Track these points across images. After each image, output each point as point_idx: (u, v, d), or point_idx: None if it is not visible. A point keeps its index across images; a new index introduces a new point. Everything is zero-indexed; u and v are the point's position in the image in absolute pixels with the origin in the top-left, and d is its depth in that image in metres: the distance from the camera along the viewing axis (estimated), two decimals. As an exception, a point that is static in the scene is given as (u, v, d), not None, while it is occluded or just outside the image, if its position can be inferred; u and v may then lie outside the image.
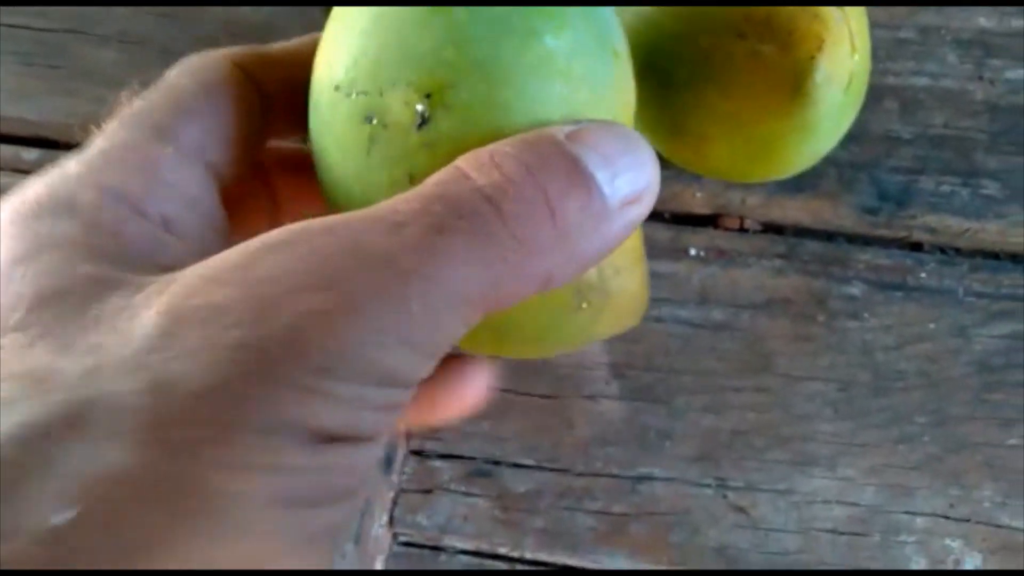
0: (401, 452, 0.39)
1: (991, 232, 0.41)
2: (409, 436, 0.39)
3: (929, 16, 0.43)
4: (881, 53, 0.43)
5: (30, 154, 0.43)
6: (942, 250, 0.41)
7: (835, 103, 0.30)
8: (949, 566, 0.37)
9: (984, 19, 0.43)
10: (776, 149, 0.32)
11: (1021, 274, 0.40)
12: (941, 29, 0.43)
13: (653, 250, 0.40)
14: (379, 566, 0.38)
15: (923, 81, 0.43)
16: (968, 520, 0.37)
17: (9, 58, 0.45)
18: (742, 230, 0.41)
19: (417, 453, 0.39)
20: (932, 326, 0.39)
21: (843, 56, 0.30)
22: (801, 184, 0.41)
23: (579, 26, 0.23)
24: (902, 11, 0.43)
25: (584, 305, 0.25)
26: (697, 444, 0.38)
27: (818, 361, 0.39)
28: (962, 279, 0.40)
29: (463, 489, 0.38)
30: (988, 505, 0.37)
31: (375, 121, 0.22)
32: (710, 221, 0.41)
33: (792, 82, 0.29)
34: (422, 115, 0.22)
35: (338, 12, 0.24)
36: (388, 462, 0.39)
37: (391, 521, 0.38)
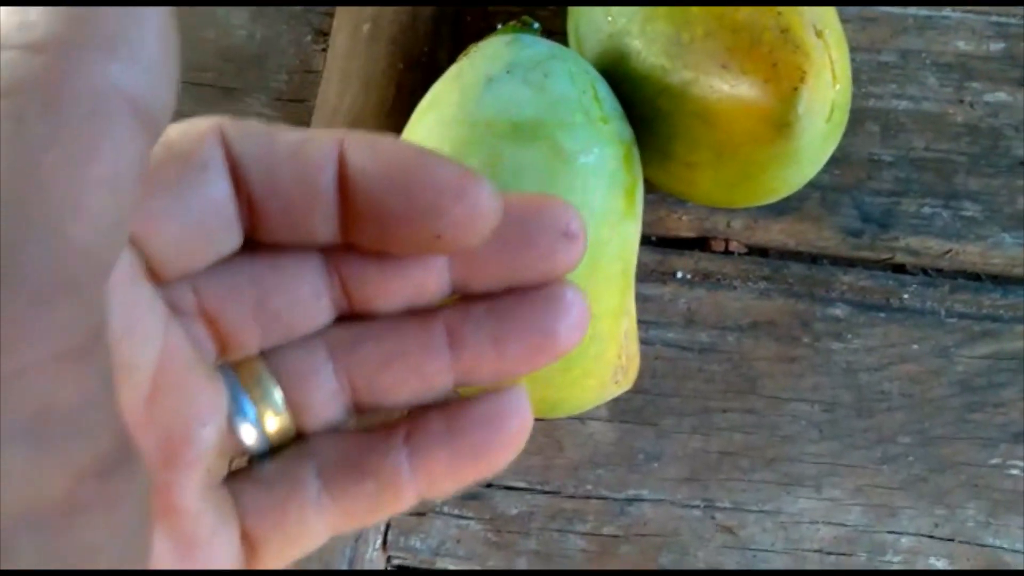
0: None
1: (972, 253, 0.41)
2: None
3: (910, 40, 0.44)
4: (863, 77, 0.43)
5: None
6: (924, 271, 0.41)
7: (817, 133, 0.31)
8: (934, 585, 0.38)
9: (963, 43, 0.44)
10: (759, 177, 0.33)
11: (1001, 295, 0.41)
12: (922, 53, 0.44)
13: (641, 273, 0.40)
14: (371, 590, 0.38)
15: (904, 104, 0.43)
16: (952, 539, 0.38)
17: None
18: (727, 253, 0.41)
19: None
20: (915, 347, 0.40)
21: (825, 86, 0.31)
22: (785, 207, 0.41)
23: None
24: (883, 34, 0.44)
25: (617, 382, 0.33)
26: (685, 466, 0.39)
27: (803, 382, 0.39)
28: (944, 300, 0.41)
29: (456, 512, 0.38)
30: (972, 524, 0.38)
31: None
32: (696, 244, 0.41)
33: (775, 114, 0.30)
34: None
35: (447, 138, 0.31)
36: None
37: (384, 544, 0.38)
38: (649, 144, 0.34)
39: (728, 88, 0.31)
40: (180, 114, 0.42)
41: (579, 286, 0.23)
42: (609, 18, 0.34)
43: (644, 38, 0.33)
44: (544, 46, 0.33)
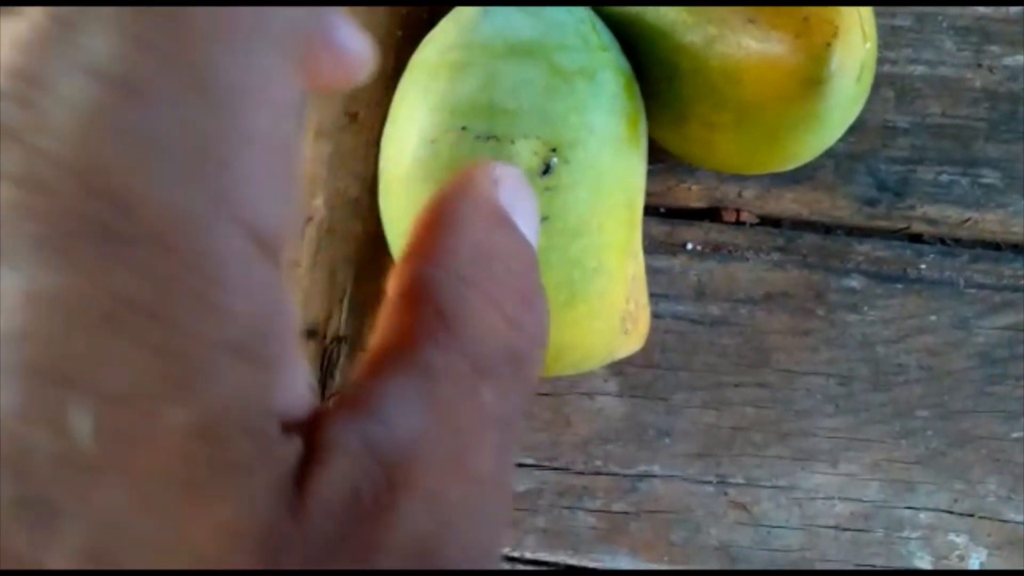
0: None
1: (991, 222, 0.40)
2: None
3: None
4: (877, 41, 0.42)
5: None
6: (942, 241, 0.40)
7: (847, 94, 0.30)
8: (953, 562, 0.37)
9: (982, 5, 0.43)
10: (784, 139, 0.31)
11: (1022, 264, 0.39)
12: (938, 15, 0.42)
13: (649, 245, 0.39)
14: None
15: (920, 69, 0.42)
16: (972, 515, 0.37)
17: None
18: (739, 223, 0.40)
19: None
20: (933, 318, 0.39)
21: (856, 44, 0.29)
22: (798, 176, 0.40)
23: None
24: (898, -3, 0.43)
25: (627, 329, 0.32)
26: (697, 441, 0.37)
27: (818, 356, 0.38)
28: (963, 270, 0.39)
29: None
30: (992, 499, 0.37)
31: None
32: (706, 215, 0.40)
33: (806, 71, 0.29)
34: (547, 164, 0.28)
35: (445, 62, 0.30)
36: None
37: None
38: (665, 104, 0.33)
39: (756, 44, 0.29)
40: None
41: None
42: (623, -30, 0.32)
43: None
44: None
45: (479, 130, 0.28)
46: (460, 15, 0.32)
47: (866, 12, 0.30)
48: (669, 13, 0.31)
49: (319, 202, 0.38)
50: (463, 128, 0.28)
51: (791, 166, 0.34)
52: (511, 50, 0.29)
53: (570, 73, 0.29)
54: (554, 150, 0.28)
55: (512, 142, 0.28)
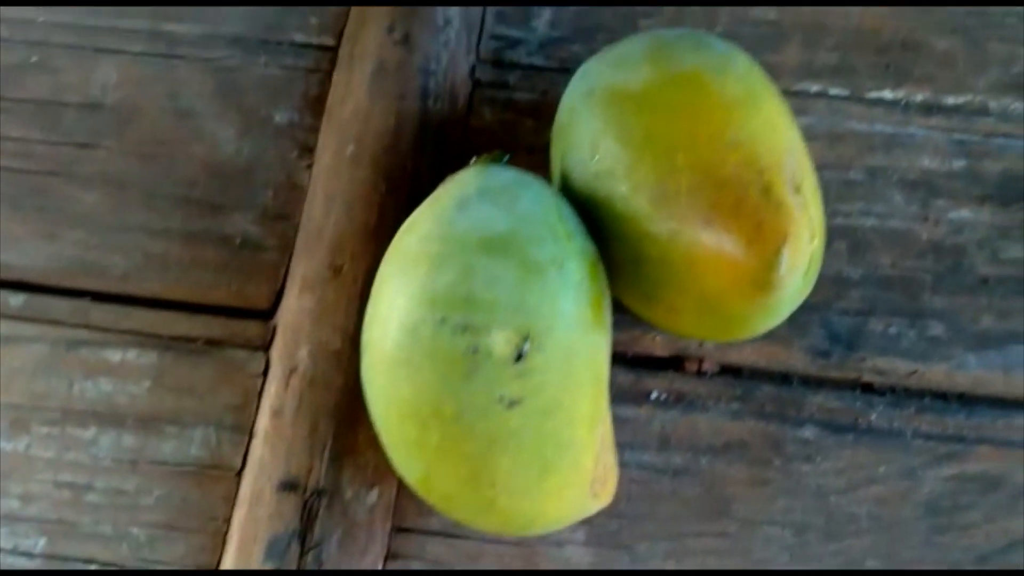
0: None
1: (937, 374, 0.42)
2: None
3: (877, 158, 0.45)
4: (831, 195, 0.45)
5: (16, 299, 0.43)
6: (892, 391, 0.42)
7: (795, 288, 0.32)
8: None
9: (928, 160, 0.45)
10: (739, 322, 0.34)
11: (966, 416, 0.42)
12: (888, 170, 0.45)
13: (616, 394, 0.41)
14: None
15: (871, 222, 0.45)
16: (919, 663, 0.39)
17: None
18: (700, 373, 0.42)
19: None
20: (882, 469, 0.41)
21: (804, 244, 0.32)
22: (757, 325, 0.42)
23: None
24: (851, 152, 0.45)
25: (596, 491, 0.35)
26: (660, 588, 0.39)
27: (774, 505, 0.40)
28: (910, 421, 0.42)
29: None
30: (938, 649, 0.39)
31: (479, 351, 0.31)
32: (670, 364, 0.42)
33: (758, 275, 0.31)
34: (520, 351, 0.31)
35: (425, 253, 0.33)
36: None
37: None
38: (633, 283, 0.35)
39: (712, 243, 0.32)
40: (168, 229, 0.42)
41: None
42: (596, 157, 0.35)
43: (630, 183, 0.34)
44: (512, 173, 0.35)
45: (457, 321, 0.31)
46: (438, 202, 0.34)
47: (815, 209, 0.33)
48: (635, 202, 0.33)
49: (303, 353, 0.40)
50: (442, 319, 0.31)
51: (747, 337, 0.36)
52: (485, 244, 0.32)
53: (540, 265, 0.32)
54: (527, 338, 0.31)
55: (488, 332, 0.31)
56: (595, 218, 0.35)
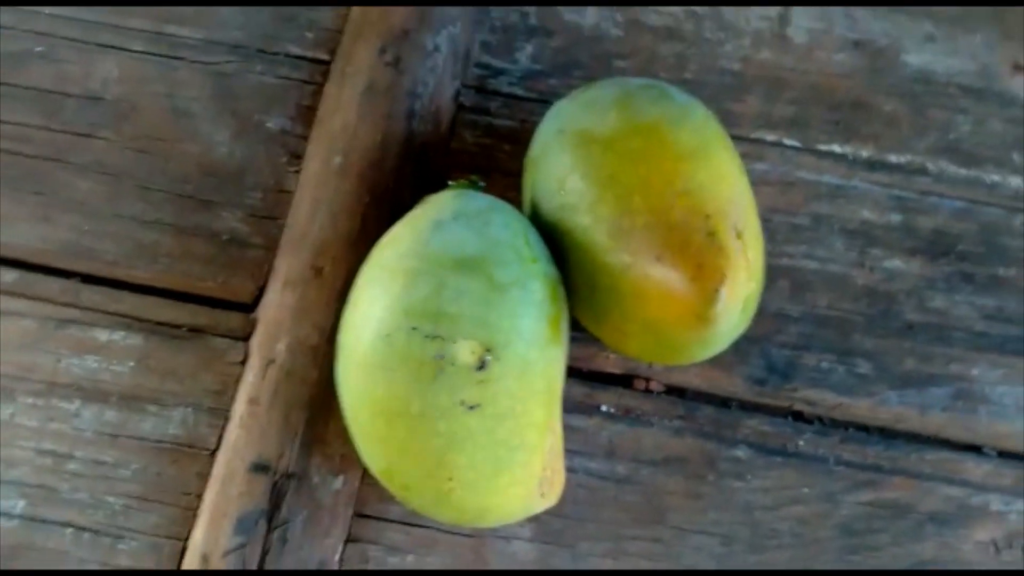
0: None
1: (861, 407, 0.46)
2: None
3: (822, 205, 0.49)
4: (779, 237, 0.48)
5: (9, 275, 0.46)
6: (820, 420, 0.46)
7: (732, 322, 0.36)
8: None
9: (868, 212, 0.49)
10: (680, 350, 0.37)
11: (884, 448, 0.46)
12: (832, 218, 0.49)
13: (569, 404, 0.45)
14: None
15: (813, 264, 0.48)
16: (823, 669, 0.43)
17: (-18, 170, 0.48)
18: (647, 391, 0.46)
19: (341, 577, 0.43)
20: (806, 490, 0.45)
21: (741, 285, 0.35)
22: (702, 351, 0.46)
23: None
24: (799, 199, 0.49)
25: (544, 492, 0.38)
26: (594, 585, 0.43)
27: (706, 517, 0.44)
28: (834, 448, 0.46)
29: (381, 614, 0.42)
30: (841, 657, 0.43)
31: (445, 358, 0.34)
32: (621, 381, 0.46)
33: (697, 309, 0.35)
34: (483, 361, 0.35)
35: (402, 268, 0.36)
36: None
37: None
38: (587, 306, 0.39)
39: (660, 277, 0.35)
40: (160, 220, 0.45)
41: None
42: (562, 191, 0.38)
43: (591, 216, 0.37)
44: (486, 200, 0.39)
45: (427, 330, 0.34)
46: (417, 222, 0.38)
47: (754, 253, 0.37)
48: (595, 234, 0.37)
49: (282, 346, 0.43)
50: (413, 328, 0.34)
51: (686, 363, 0.40)
52: (457, 264, 0.35)
53: (504, 285, 0.35)
54: (489, 350, 0.34)
55: (454, 342, 0.34)
56: (559, 245, 0.39)
